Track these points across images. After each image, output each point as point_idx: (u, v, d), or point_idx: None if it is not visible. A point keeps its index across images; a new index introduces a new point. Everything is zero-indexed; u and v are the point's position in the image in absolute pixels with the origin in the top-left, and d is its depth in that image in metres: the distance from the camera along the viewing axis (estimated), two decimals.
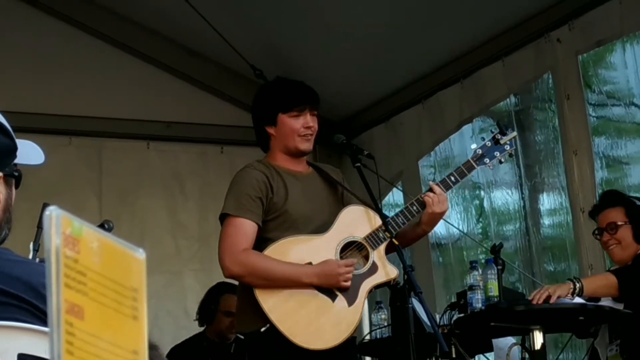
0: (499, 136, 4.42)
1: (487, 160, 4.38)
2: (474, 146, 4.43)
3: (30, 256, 3.47)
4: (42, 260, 3.15)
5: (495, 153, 4.40)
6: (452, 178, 4.25)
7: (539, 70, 5.91)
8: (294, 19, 6.38)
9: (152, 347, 1.96)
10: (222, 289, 6.17)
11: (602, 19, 5.48)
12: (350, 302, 4.08)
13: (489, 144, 4.40)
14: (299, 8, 6.28)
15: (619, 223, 4.73)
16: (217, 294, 6.19)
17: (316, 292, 4.05)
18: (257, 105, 4.30)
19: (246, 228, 4.06)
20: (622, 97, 5.66)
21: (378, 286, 4.21)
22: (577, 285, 4.44)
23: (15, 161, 2.21)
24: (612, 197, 4.89)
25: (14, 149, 2.18)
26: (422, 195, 4.19)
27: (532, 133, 6.19)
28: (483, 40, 6.09)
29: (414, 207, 4.18)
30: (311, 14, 6.34)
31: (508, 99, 6.19)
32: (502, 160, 4.44)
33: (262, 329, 3.97)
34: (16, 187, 2.25)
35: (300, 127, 4.17)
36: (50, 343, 0.94)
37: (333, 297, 4.07)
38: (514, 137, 4.48)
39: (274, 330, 3.96)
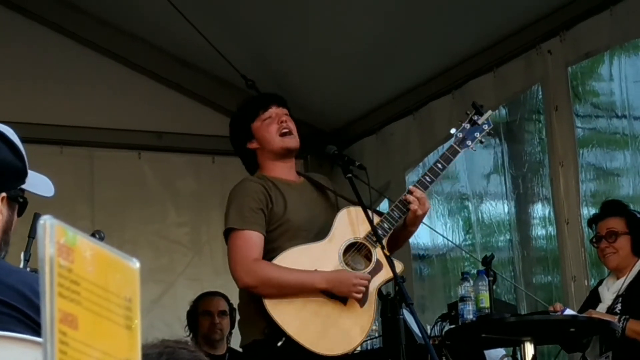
0: (475, 117, 4.41)
1: (469, 142, 4.36)
2: (453, 130, 4.40)
3: (21, 266, 3.47)
4: (33, 270, 3.14)
5: (475, 134, 4.38)
6: (428, 178, 4.23)
7: (528, 81, 5.92)
8: (285, 30, 6.39)
9: None
10: (201, 294, 6.20)
11: (593, 30, 5.50)
12: (362, 302, 4.08)
13: (467, 126, 4.39)
14: (290, 19, 6.29)
15: (619, 232, 4.75)
16: (197, 299, 6.21)
17: (326, 299, 4.05)
18: (232, 134, 4.35)
19: (254, 239, 4.07)
20: (610, 108, 5.68)
21: (385, 282, 4.20)
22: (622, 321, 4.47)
23: (24, 187, 2.20)
24: (614, 207, 4.91)
25: (23, 173, 2.17)
26: (404, 197, 4.18)
27: (521, 144, 6.20)
28: (475, 51, 6.11)
29: (396, 213, 4.18)
30: (303, 25, 6.34)
31: (498, 110, 6.20)
32: (482, 140, 4.43)
33: (279, 344, 3.97)
34: (19, 215, 2.24)
35: (274, 123, 4.20)
36: (43, 353, 0.94)
37: (344, 299, 4.06)
38: (490, 116, 4.47)
39: (290, 342, 3.95)
